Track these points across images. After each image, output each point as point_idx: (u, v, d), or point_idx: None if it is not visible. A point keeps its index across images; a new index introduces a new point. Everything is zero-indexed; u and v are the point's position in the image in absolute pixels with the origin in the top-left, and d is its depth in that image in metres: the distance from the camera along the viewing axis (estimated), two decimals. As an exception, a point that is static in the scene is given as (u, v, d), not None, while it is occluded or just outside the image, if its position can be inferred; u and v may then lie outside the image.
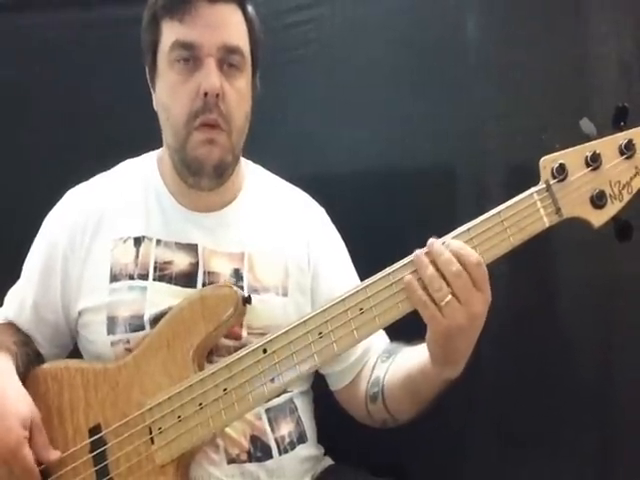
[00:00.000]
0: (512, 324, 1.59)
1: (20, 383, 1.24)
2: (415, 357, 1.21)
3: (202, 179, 1.28)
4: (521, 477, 1.65)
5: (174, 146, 1.28)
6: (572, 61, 1.64)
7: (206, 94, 1.22)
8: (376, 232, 1.62)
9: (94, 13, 1.74)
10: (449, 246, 1.07)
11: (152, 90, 1.32)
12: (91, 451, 1.23)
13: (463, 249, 1.07)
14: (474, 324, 1.08)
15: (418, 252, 1.09)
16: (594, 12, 1.64)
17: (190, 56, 1.23)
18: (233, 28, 1.25)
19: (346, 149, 1.69)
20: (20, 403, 1.20)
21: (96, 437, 1.23)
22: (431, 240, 1.09)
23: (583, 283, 1.63)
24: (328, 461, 1.40)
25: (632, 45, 1.61)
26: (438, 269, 1.07)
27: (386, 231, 1.62)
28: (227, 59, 1.24)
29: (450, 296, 1.05)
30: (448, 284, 1.06)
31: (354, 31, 1.70)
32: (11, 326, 1.36)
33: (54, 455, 1.22)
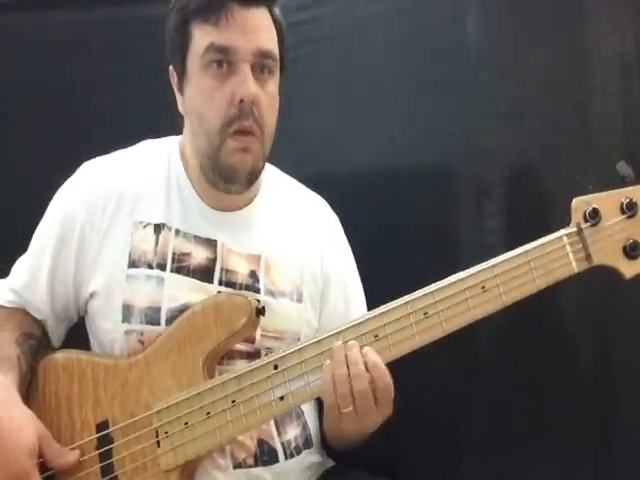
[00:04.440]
0: (510, 322, 1.56)
1: (22, 404, 1.19)
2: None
3: (233, 185, 1.26)
4: (520, 476, 1.65)
5: (206, 152, 1.25)
6: (573, 61, 1.62)
7: (241, 101, 1.20)
8: (377, 231, 1.61)
9: (94, 13, 1.70)
10: (366, 356, 1.11)
11: (178, 93, 1.29)
12: (98, 447, 1.23)
13: (378, 366, 1.11)
14: (367, 426, 1.17)
15: (338, 346, 1.13)
16: (595, 12, 1.62)
17: (225, 60, 1.20)
18: (265, 32, 1.23)
19: (347, 148, 1.68)
20: (24, 431, 1.15)
21: (103, 433, 1.23)
22: (351, 343, 1.13)
23: (582, 281, 1.59)
24: (329, 462, 1.41)
25: (634, 45, 1.59)
26: (349, 375, 1.10)
27: (387, 230, 1.62)
28: (260, 64, 1.22)
29: (351, 407, 1.10)
30: (352, 395, 1.10)
31: (355, 31, 1.68)
32: (12, 317, 1.31)
33: (71, 457, 1.20)
